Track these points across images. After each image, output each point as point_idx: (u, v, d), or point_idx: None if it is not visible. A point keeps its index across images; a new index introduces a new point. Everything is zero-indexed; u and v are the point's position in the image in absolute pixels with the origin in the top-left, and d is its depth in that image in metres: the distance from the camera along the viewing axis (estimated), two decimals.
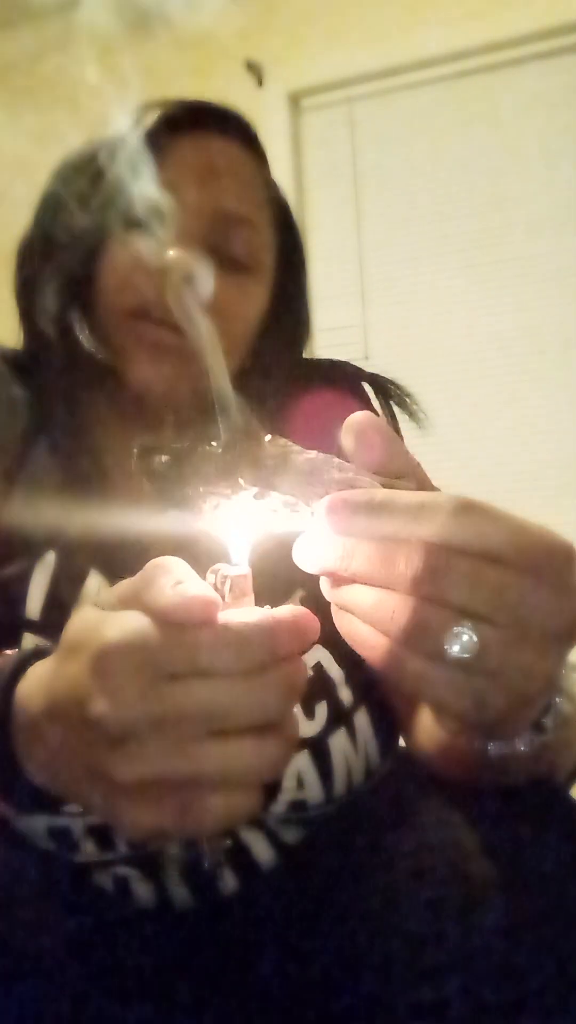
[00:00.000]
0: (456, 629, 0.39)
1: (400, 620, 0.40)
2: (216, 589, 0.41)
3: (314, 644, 0.67)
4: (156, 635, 0.39)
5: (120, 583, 0.43)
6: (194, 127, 0.73)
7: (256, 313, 0.75)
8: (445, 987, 0.49)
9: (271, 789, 0.64)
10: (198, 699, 0.39)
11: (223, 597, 0.41)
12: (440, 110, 2.63)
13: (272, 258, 0.77)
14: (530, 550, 0.40)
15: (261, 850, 0.66)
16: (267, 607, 0.41)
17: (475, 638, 0.39)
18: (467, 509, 0.40)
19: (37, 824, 0.63)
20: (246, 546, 0.43)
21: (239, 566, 0.43)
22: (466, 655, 0.39)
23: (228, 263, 0.71)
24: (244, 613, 0.40)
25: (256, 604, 0.42)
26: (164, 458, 0.43)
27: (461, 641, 0.39)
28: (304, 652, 0.42)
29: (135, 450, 0.44)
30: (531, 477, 2.47)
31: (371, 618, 0.41)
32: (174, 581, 0.40)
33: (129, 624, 0.39)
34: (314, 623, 0.41)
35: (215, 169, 0.72)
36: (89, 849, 0.63)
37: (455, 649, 0.39)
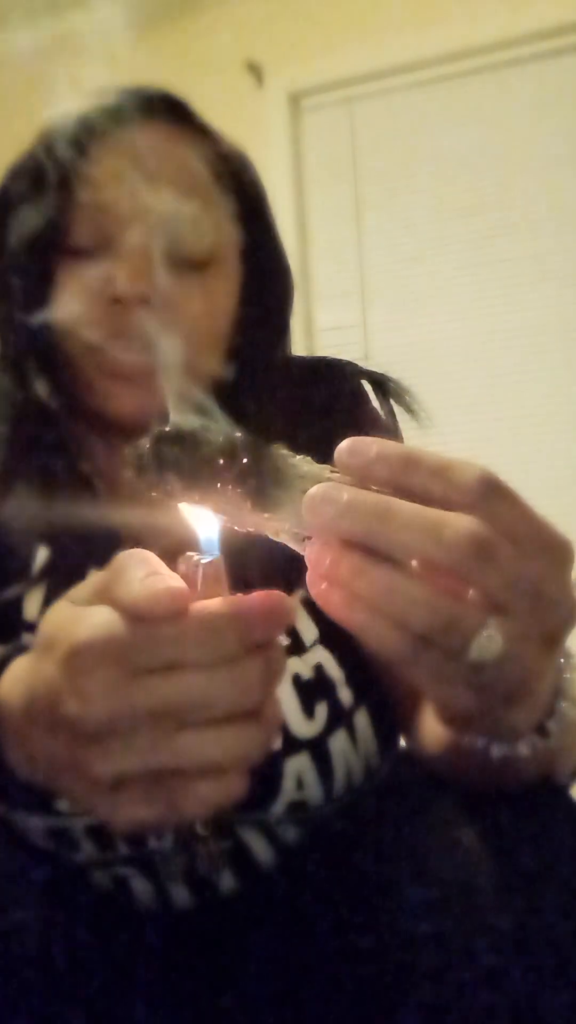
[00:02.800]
0: (486, 633, 0.38)
1: (430, 615, 0.38)
2: (188, 578, 0.40)
3: (315, 642, 0.69)
4: (126, 631, 0.38)
5: (92, 576, 0.42)
6: (117, 123, 0.67)
7: (225, 306, 0.71)
8: (445, 987, 0.49)
9: (270, 789, 0.64)
10: (173, 692, 0.38)
11: (196, 585, 0.40)
12: (440, 110, 2.63)
13: (235, 243, 0.72)
14: (548, 542, 0.40)
15: (261, 850, 0.66)
16: (239, 595, 0.40)
17: (500, 640, 0.38)
18: (495, 488, 0.39)
19: (36, 824, 0.63)
20: (217, 531, 0.42)
21: (211, 553, 0.42)
22: (489, 657, 0.39)
23: (182, 263, 0.67)
24: (215, 603, 0.40)
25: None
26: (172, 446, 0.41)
27: (489, 642, 0.38)
28: (280, 634, 0.41)
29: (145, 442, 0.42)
30: (531, 476, 2.47)
31: (391, 608, 0.39)
32: (143, 574, 0.39)
33: (99, 621, 0.39)
34: (287, 606, 0.40)
35: (149, 165, 0.66)
36: (89, 849, 0.63)
37: (480, 651, 0.38)
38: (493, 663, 0.39)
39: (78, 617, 0.40)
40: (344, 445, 0.40)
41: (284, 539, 0.41)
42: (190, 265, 0.68)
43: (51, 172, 0.66)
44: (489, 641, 0.38)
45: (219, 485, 0.40)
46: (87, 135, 0.66)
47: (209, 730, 0.39)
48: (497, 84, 2.58)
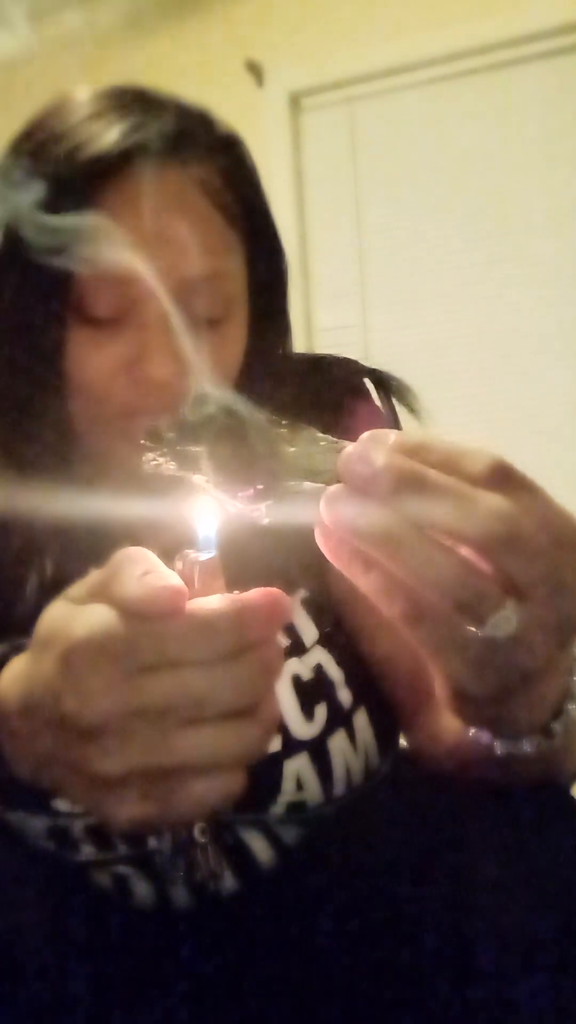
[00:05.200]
0: (502, 613, 0.38)
1: (454, 587, 0.38)
2: (185, 576, 0.40)
3: (314, 643, 0.68)
4: (123, 629, 0.38)
5: (90, 575, 0.42)
6: (128, 168, 0.61)
7: (242, 341, 0.69)
8: (447, 986, 0.49)
9: (270, 790, 0.64)
10: (171, 690, 0.38)
11: (193, 583, 0.40)
12: (440, 110, 2.63)
13: (246, 275, 0.69)
14: (567, 533, 0.40)
15: (261, 850, 0.66)
16: (236, 592, 0.40)
17: (514, 622, 0.38)
18: (509, 476, 0.39)
19: (36, 824, 0.63)
20: (213, 529, 0.42)
21: (208, 551, 0.42)
22: (500, 636, 0.39)
23: (204, 322, 0.64)
24: (212, 600, 0.40)
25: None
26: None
27: (503, 622, 0.38)
28: (278, 632, 0.41)
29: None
30: (531, 475, 2.47)
31: (416, 574, 0.38)
32: (140, 572, 0.39)
33: (96, 619, 0.39)
34: (284, 603, 0.40)
35: (167, 227, 0.62)
36: (88, 849, 0.63)
37: (493, 629, 0.38)
38: (503, 643, 0.39)
39: (75, 615, 0.40)
40: (364, 436, 0.40)
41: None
42: (210, 322, 0.65)
43: (59, 232, 0.59)
44: (503, 621, 0.38)
45: (252, 451, 0.40)
46: (96, 194, 0.61)
47: (207, 728, 0.39)
48: (497, 84, 2.58)
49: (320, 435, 0.42)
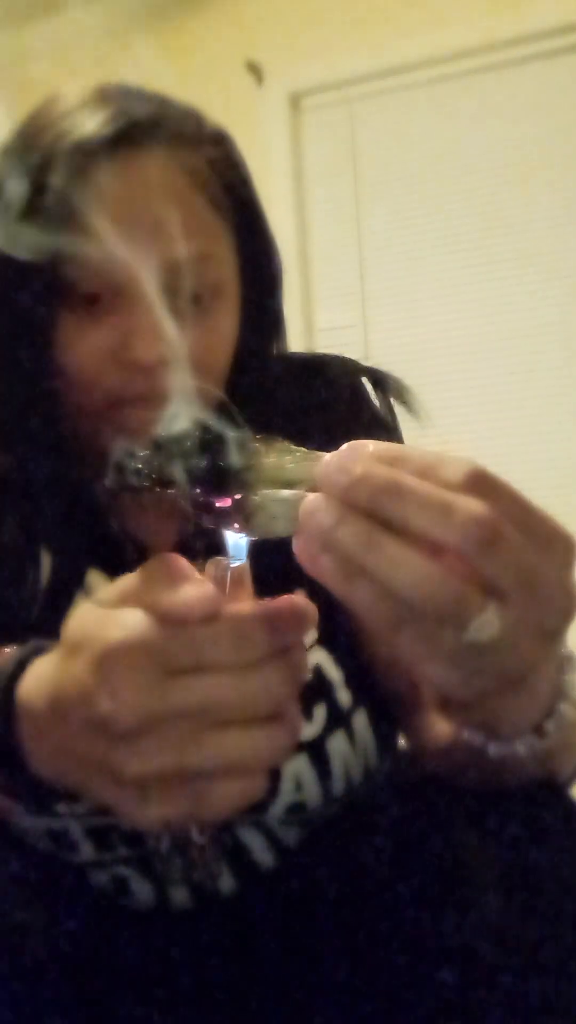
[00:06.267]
0: (484, 616, 0.38)
1: (433, 592, 0.38)
2: (215, 582, 0.41)
3: (313, 644, 0.68)
4: (158, 633, 0.39)
5: (120, 579, 0.43)
6: (113, 153, 0.62)
7: (232, 331, 0.69)
8: (446, 987, 0.49)
9: (269, 791, 0.64)
10: (202, 694, 0.39)
11: (224, 589, 0.41)
12: (440, 110, 2.63)
13: (235, 264, 0.69)
14: (549, 535, 0.40)
15: (260, 851, 0.66)
16: (265, 599, 0.41)
17: (496, 625, 0.39)
18: (485, 483, 0.39)
19: (36, 825, 0.63)
20: (244, 537, 0.43)
21: (237, 557, 0.43)
22: (483, 640, 0.39)
23: (190, 304, 0.64)
24: (243, 606, 0.41)
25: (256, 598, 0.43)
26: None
27: (485, 626, 0.39)
28: (303, 638, 0.42)
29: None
30: (530, 476, 2.47)
31: (394, 581, 0.38)
32: (174, 578, 0.40)
33: (131, 623, 0.40)
34: (310, 610, 0.41)
35: (151, 210, 0.62)
36: (88, 850, 0.63)
37: (476, 633, 0.39)
38: (486, 647, 0.39)
39: (109, 619, 0.40)
40: (343, 447, 0.40)
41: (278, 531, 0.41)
42: (196, 303, 0.65)
43: (45, 217, 0.60)
44: (485, 625, 0.39)
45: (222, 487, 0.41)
46: (81, 178, 0.61)
47: (236, 731, 0.40)
48: (497, 84, 2.58)
49: (294, 447, 0.42)
